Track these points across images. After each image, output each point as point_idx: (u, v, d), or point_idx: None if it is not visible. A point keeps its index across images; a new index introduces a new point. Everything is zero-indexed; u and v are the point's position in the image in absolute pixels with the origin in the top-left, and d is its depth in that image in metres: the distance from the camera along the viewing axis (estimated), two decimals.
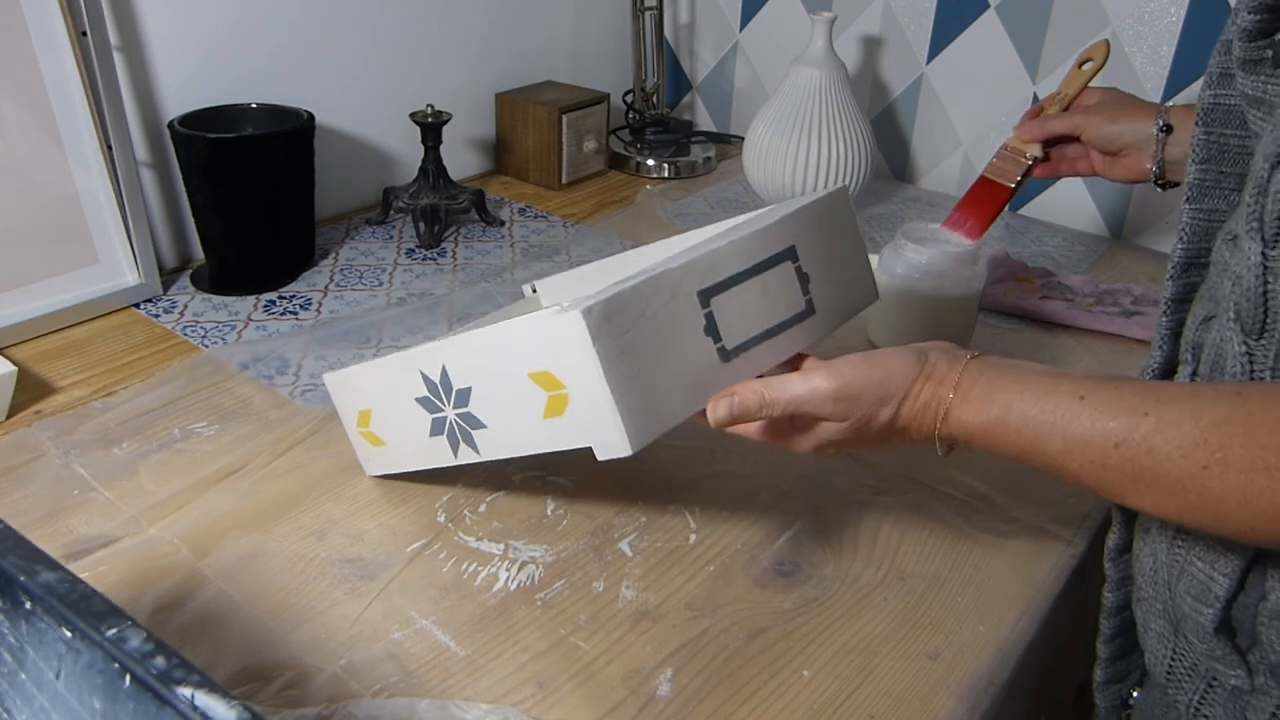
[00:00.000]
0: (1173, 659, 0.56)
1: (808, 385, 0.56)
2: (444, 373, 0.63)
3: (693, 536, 0.72)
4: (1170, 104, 0.83)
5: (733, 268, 0.59)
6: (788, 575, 0.69)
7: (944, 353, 0.57)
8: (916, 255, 0.90)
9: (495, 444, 0.63)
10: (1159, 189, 0.84)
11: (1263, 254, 0.46)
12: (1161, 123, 0.81)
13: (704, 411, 0.58)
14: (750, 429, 0.60)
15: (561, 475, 0.77)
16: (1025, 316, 1.05)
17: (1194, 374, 0.54)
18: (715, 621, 0.65)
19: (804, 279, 0.64)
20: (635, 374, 0.54)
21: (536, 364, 0.56)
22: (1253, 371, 0.48)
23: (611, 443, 0.54)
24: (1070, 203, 1.33)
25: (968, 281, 0.90)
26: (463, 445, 0.65)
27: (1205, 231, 0.55)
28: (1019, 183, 0.91)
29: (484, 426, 0.62)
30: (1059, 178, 0.94)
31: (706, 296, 0.58)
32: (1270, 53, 0.48)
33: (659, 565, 0.69)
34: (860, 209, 1.35)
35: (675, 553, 0.70)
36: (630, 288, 0.54)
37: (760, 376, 0.60)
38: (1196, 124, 0.54)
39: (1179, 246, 0.56)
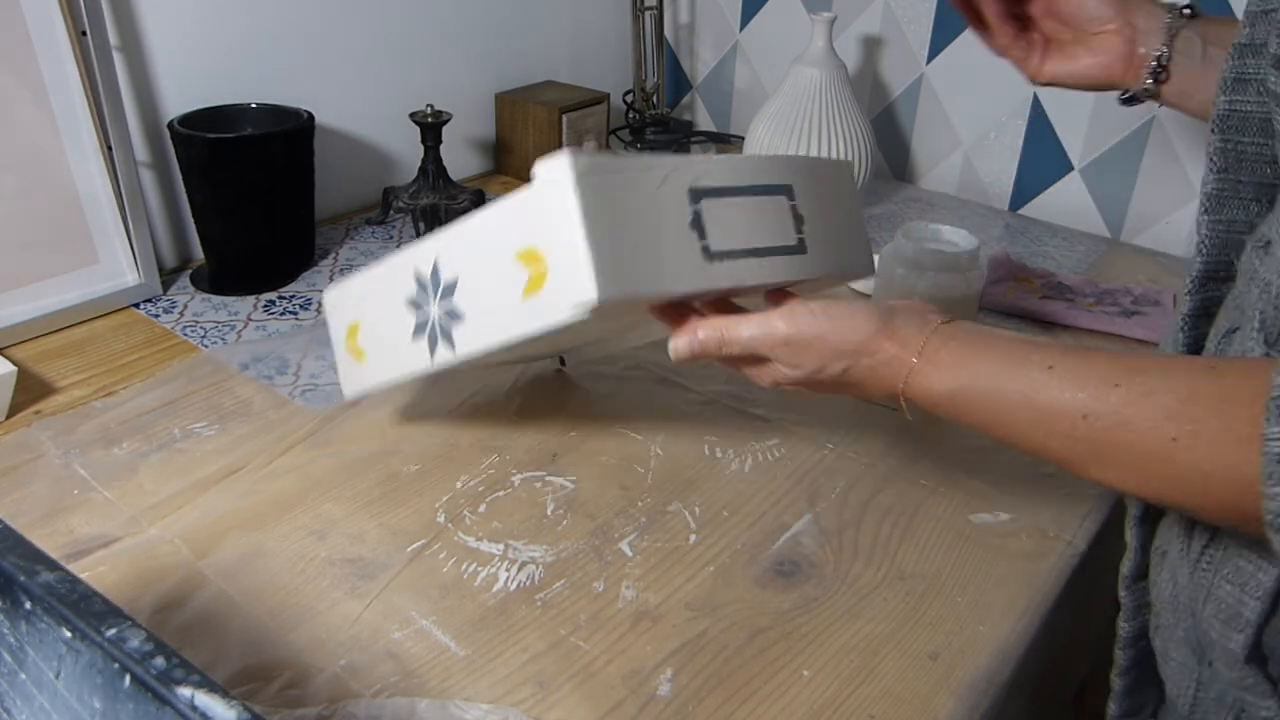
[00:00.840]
0: (1198, 690, 0.54)
1: (764, 328, 0.58)
2: (435, 267, 0.66)
3: (693, 536, 0.72)
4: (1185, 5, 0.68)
5: (726, 179, 0.61)
6: (788, 575, 0.69)
7: (914, 314, 0.57)
8: (916, 255, 0.90)
9: (473, 338, 0.65)
10: (1123, 102, 0.72)
11: None
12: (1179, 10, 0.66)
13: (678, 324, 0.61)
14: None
15: (561, 475, 0.77)
16: (1025, 316, 1.05)
17: None
18: (715, 621, 0.65)
19: (798, 218, 0.65)
20: (612, 231, 0.55)
21: (524, 239, 0.58)
22: None
23: (584, 290, 0.55)
24: (1070, 203, 1.33)
25: (968, 281, 0.90)
26: (440, 345, 0.67)
27: (1225, 243, 0.53)
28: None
29: (462, 319, 0.65)
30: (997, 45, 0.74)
31: (698, 195, 0.59)
32: None
33: (659, 565, 0.69)
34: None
35: (675, 553, 0.70)
36: (622, 158, 0.57)
37: (743, 294, 0.62)
38: (1212, 131, 0.52)
39: (1198, 260, 0.53)
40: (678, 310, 0.62)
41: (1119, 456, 0.46)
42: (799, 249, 0.64)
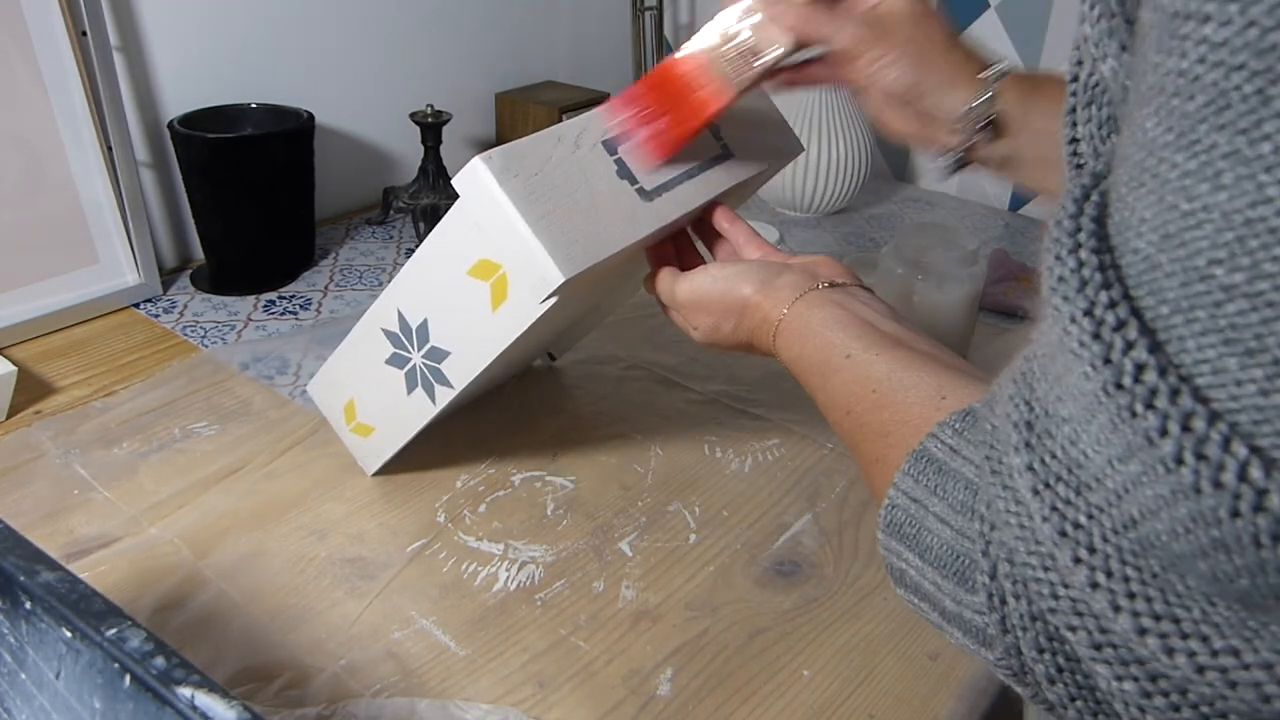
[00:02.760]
0: None
1: (668, 289, 0.61)
2: (400, 317, 0.66)
3: (693, 536, 0.72)
4: (1003, 68, 0.56)
5: None
6: (788, 575, 0.69)
7: (799, 274, 0.57)
8: (916, 255, 0.90)
9: (464, 367, 0.65)
10: (944, 170, 0.60)
11: None
12: (978, 108, 0.56)
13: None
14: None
15: (561, 475, 0.77)
16: (1025, 316, 1.05)
17: None
18: (715, 621, 0.65)
19: (713, 127, 0.66)
20: (551, 212, 0.56)
21: (470, 256, 0.59)
22: None
23: (546, 275, 0.55)
24: None
25: (968, 281, 0.90)
26: (437, 387, 0.67)
27: None
28: (746, 90, 0.60)
29: (449, 354, 0.65)
30: (802, 88, 0.66)
31: (613, 145, 0.61)
32: None
33: (659, 565, 0.69)
34: (860, 209, 1.35)
35: (675, 553, 0.70)
36: (526, 139, 0.58)
37: (700, 231, 0.67)
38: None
39: None
40: (655, 249, 0.65)
41: (858, 459, 0.46)
42: (725, 154, 0.67)
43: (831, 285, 0.55)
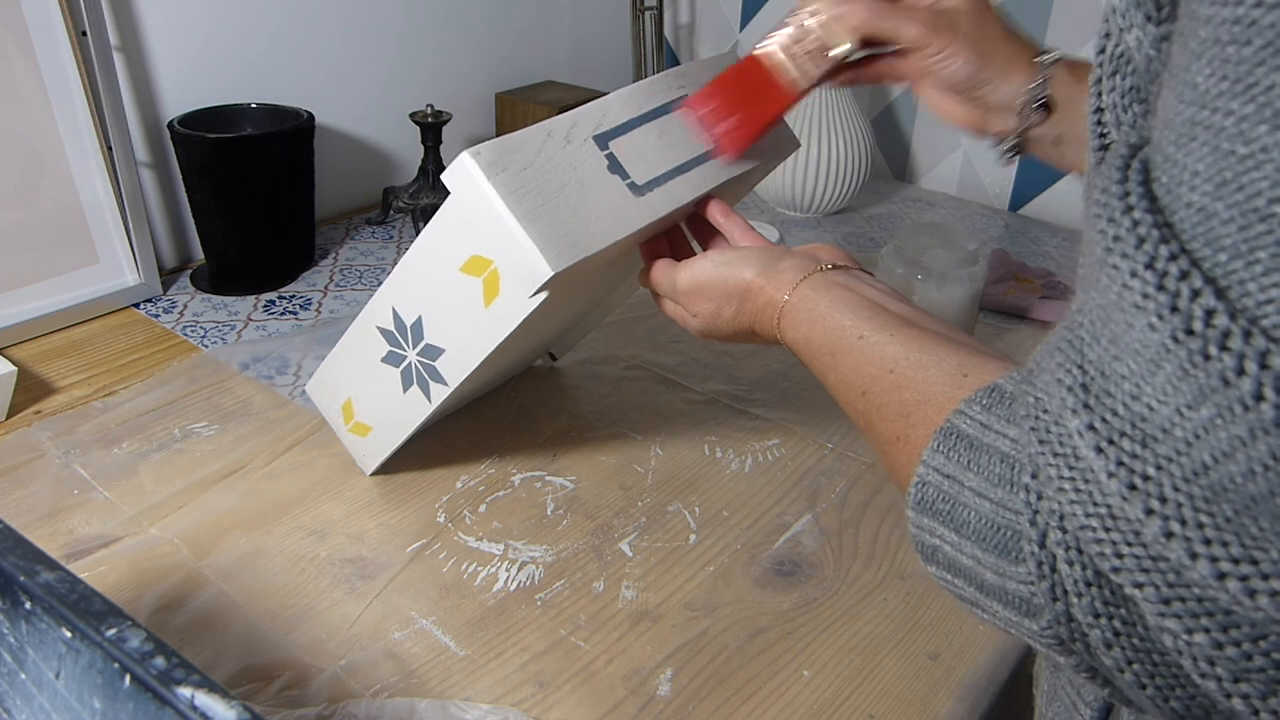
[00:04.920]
0: None
1: (668, 276, 0.61)
2: (395, 315, 0.66)
3: (693, 536, 0.72)
4: (1057, 54, 0.60)
5: (625, 115, 0.63)
6: (788, 575, 0.69)
7: (801, 258, 0.56)
8: (916, 255, 0.90)
9: (458, 364, 0.65)
10: (1002, 155, 0.64)
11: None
12: (1035, 89, 0.59)
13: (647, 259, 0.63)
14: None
15: (561, 475, 0.77)
16: (1025, 316, 1.05)
17: None
18: (715, 621, 0.65)
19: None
20: (540, 206, 0.56)
21: (462, 252, 0.59)
22: None
23: (535, 269, 0.55)
24: (1070, 203, 1.33)
25: (968, 281, 0.90)
26: (432, 385, 0.67)
27: None
28: (813, 87, 0.63)
29: (443, 351, 0.65)
30: (863, 84, 0.68)
31: (604, 140, 0.61)
32: None
33: (659, 565, 0.69)
34: (860, 209, 1.35)
35: (675, 553, 0.70)
36: (518, 133, 0.57)
37: (692, 226, 0.66)
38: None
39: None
40: (649, 245, 0.65)
41: (874, 440, 0.46)
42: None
43: (835, 268, 0.55)
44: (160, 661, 0.34)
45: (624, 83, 1.61)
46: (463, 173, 0.55)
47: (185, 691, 0.33)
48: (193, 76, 1.06)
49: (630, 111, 0.63)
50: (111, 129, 0.95)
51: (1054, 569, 0.33)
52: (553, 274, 0.55)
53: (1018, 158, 0.63)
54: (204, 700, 0.33)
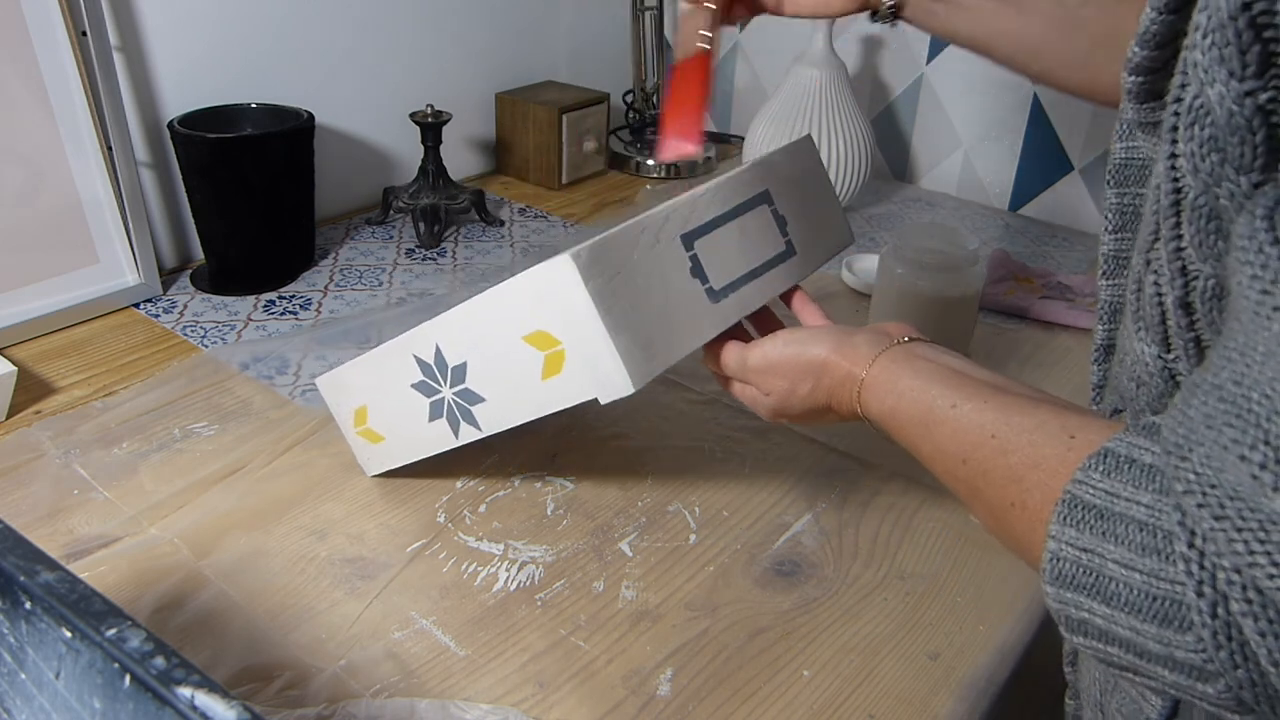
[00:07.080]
0: None
1: (739, 359, 0.60)
2: (438, 352, 0.64)
3: (693, 536, 0.72)
4: None
5: (712, 211, 0.62)
6: (788, 575, 0.69)
7: (874, 334, 0.57)
8: (916, 255, 0.90)
9: (496, 416, 0.63)
10: (874, 19, 0.73)
11: (1160, 357, 0.42)
12: None
13: (710, 355, 0.62)
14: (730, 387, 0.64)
15: (561, 475, 0.77)
16: (1025, 316, 1.05)
17: None
18: (715, 621, 0.65)
19: (781, 221, 0.66)
20: (628, 314, 0.55)
21: (529, 324, 0.57)
22: None
23: (614, 383, 0.55)
24: (1070, 203, 1.33)
25: (968, 281, 0.90)
26: (463, 424, 0.65)
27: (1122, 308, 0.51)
28: (712, 38, 0.71)
29: (483, 400, 0.63)
30: (743, 19, 0.76)
31: (690, 240, 0.60)
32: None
33: (659, 565, 0.69)
34: (860, 209, 1.35)
35: (675, 553, 0.70)
36: (614, 232, 0.56)
37: (751, 315, 0.64)
38: (1108, 184, 0.50)
39: (1100, 327, 0.52)
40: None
41: (982, 506, 0.45)
42: (789, 252, 0.66)
43: (910, 340, 0.55)
44: (160, 661, 0.34)
45: (624, 83, 1.61)
46: (558, 270, 0.54)
47: (185, 691, 0.33)
48: (193, 76, 1.06)
49: (718, 208, 0.62)
50: (111, 129, 0.95)
51: (1229, 638, 0.32)
52: (633, 391, 0.54)
53: (898, 23, 0.72)
54: (204, 700, 0.33)
